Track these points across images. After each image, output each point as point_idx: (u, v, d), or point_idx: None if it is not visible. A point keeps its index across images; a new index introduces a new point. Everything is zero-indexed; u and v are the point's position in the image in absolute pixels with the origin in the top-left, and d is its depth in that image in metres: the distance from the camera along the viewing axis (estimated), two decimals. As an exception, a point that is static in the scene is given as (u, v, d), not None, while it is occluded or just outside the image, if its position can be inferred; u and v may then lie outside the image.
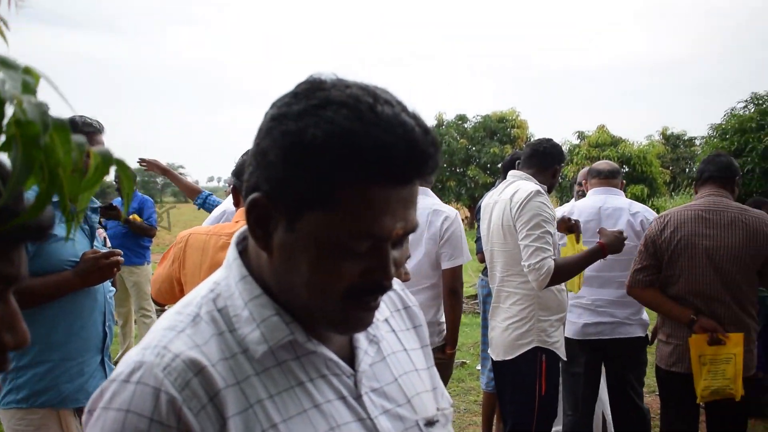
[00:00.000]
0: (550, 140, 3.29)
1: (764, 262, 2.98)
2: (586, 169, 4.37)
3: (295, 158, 0.77)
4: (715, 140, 21.19)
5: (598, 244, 3.05)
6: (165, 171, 4.36)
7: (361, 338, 0.94)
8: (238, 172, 2.52)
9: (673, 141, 27.47)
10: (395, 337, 1.03)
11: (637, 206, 3.77)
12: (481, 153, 26.36)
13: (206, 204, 4.10)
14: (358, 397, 0.90)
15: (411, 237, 0.92)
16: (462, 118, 28.15)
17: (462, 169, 26.84)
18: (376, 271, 0.82)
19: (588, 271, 3.31)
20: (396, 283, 1.06)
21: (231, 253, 0.92)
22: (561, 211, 3.66)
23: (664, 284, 3.09)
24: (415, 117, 0.79)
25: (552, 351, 3.03)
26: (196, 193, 4.22)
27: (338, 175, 0.76)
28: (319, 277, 0.82)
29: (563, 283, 3.06)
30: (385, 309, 1.02)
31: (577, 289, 3.35)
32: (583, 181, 4.09)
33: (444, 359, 3.39)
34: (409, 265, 3.16)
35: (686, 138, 27.81)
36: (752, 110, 20.92)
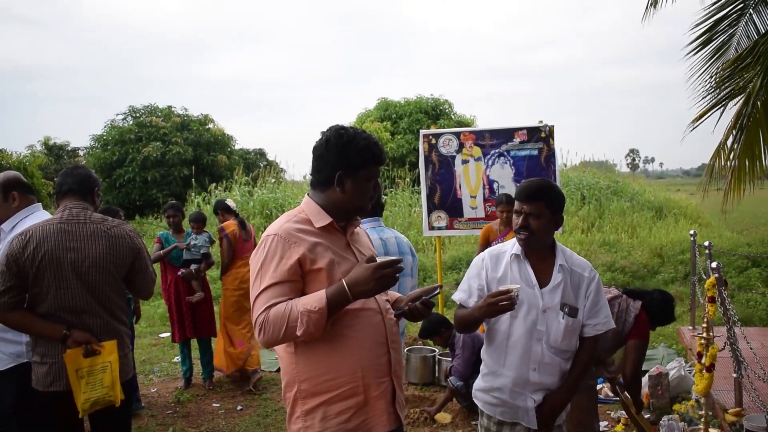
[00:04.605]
0: None
1: (129, 269, 3.14)
2: None
3: None
4: (98, 151, 21.71)
5: None
6: None
7: None
8: None
9: (56, 151, 26.92)
10: None
11: None
12: None
13: None
14: None
15: None
16: None
17: None
18: None
19: None
20: None
21: None
22: None
23: (33, 303, 2.94)
24: None
25: None
26: None
27: None
28: None
29: None
30: None
31: None
32: None
33: None
34: None
35: (70, 149, 27.62)
36: (131, 122, 22.17)
